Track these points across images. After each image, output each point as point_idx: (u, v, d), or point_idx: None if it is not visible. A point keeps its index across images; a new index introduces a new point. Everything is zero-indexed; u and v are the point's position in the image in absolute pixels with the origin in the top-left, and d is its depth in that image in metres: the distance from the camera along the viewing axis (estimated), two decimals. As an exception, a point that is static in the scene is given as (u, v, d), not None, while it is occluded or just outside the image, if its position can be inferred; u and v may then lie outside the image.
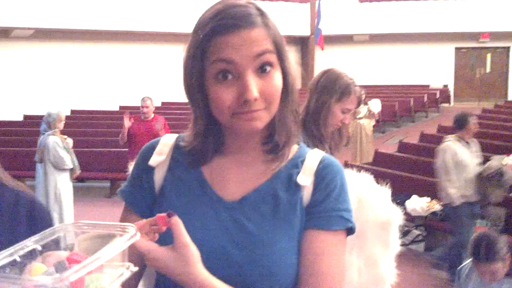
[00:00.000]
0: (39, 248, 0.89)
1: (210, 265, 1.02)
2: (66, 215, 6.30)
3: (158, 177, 1.17)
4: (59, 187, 6.30)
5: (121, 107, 14.27)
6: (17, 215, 1.13)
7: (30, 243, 0.89)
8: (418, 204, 6.47)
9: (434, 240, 6.49)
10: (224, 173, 1.14)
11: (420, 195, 6.63)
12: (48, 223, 1.27)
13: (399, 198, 6.74)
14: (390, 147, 10.93)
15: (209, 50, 1.04)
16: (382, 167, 7.71)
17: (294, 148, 1.17)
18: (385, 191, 1.77)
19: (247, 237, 1.06)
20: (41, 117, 6.62)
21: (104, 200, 8.68)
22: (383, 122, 14.44)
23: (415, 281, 5.43)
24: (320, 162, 1.13)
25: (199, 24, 1.07)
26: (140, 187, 1.18)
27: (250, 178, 1.13)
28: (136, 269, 0.90)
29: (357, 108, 2.48)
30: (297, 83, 1.16)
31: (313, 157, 1.15)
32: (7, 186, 1.17)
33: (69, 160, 6.31)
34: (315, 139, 2.39)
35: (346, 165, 7.52)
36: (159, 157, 1.18)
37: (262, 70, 1.04)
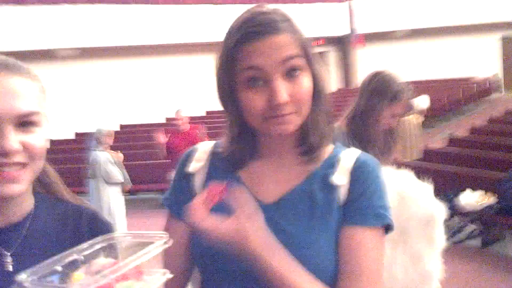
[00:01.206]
0: (82, 258, 0.93)
1: (251, 268, 1.05)
2: (120, 227, 6.43)
3: (198, 183, 1.21)
4: (111, 200, 6.44)
5: (167, 119, 14.49)
6: (80, 229, 1.16)
7: (74, 253, 0.93)
8: (472, 198, 6.31)
9: (491, 234, 6.30)
10: (261, 176, 1.17)
11: (474, 189, 6.46)
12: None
13: (452, 193, 6.60)
14: (440, 142, 10.69)
15: (238, 58, 1.07)
16: (432, 163, 7.56)
17: (329, 148, 1.19)
18: (427, 186, 1.75)
19: (285, 238, 1.08)
20: (91, 133, 6.79)
21: (155, 210, 8.82)
22: (432, 117, 14.15)
23: (469, 278, 5.28)
24: (356, 161, 1.14)
25: (228, 33, 1.11)
26: (182, 194, 1.21)
27: (286, 180, 1.15)
28: (171, 276, 0.94)
29: (407, 112, 2.45)
30: (328, 85, 1.18)
31: (348, 156, 1.16)
32: (70, 202, 1.21)
33: (120, 174, 6.46)
34: (362, 141, 2.38)
35: (396, 163, 7.40)
36: (198, 164, 1.22)
37: (290, 74, 1.06)
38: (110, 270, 0.86)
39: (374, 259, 1.08)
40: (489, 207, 6.17)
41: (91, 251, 0.96)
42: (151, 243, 0.95)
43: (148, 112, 15.24)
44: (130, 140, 11.85)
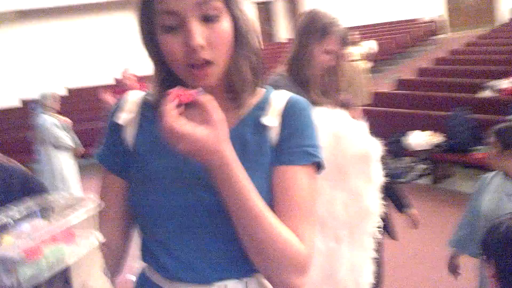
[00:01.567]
0: (11, 221, 0.91)
1: (185, 212, 1.07)
2: (74, 192, 6.35)
3: (130, 135, 1.18)
4: (63, 167, 6.34)
5: (116, 80, 14.18)
6: (11, 190, 1.15)
7: (4, 216, 0.92)
8: (421, 138, 6.48)
9: (441, 172, 6.52)
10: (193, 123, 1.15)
11: (423, 130, 6.64)
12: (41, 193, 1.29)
13: (402, 134, 6.76)
14: (388, 86, 10.85)
15: (153, 1, 1.04)
16: (381, 107, 7.69)
17: (261, 92, 1.18)
18: (362, 125, 1.77)
19: None
20: (37, 100, 6.60)
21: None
22: (380, 62, 14.30)
23: (421, 215, 5.48)
24: (286, 103, 1.15)
25: None
26: (114, 148, 1.19)
27: None
28: (103, 240, 0.94)
29: (342, 48, 2.41)
30: (256, 28, 1.13)
31: (279, 98, 1.17)
32: (3, 163, 1.19)
33: (69, 139, 6.33)
34: (302, 84, 2.35)
35: (343, 104, 7.48)
36: (128, 115, 1.19)
37: (207, 18, 1.03)
38: (38, 233, 0.85)
39: (306, 196, 1.09)
40: (438, 145, 6.36)
41: (22, 214, 0.94)
42: (83, 206, 0.94)
43: (96, 73, 14.87)
44: (79, 103, 11.58)
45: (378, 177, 1.76)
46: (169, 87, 1.09)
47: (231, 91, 1.13)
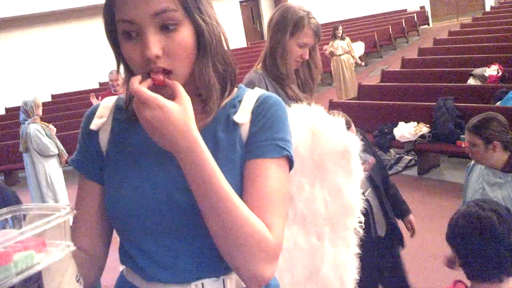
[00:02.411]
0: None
1: (159, 212, 1.08)
2: (61, 199, 6.31)
3: (103, 140, 1.19)
4: (49, 173, 6.28)
5: (100, 84, 14.12)
6: None
7: None
8: (406, 129, 6.50)
9: (427, 163, 6.54)
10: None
11: (407, 121, 6.66)
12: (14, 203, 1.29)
13: (387, 126, 6.78)
14: (374, 79, 10.88)
15: (115, 9, 1.05)
16: (368, 100, 7.70)
17: (233, 91, 1.19)
18: (339, 120, 1.76)
19: None
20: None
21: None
22: (366, 55, 14.34)
23: (412, 206, 5.49)
24: (257, 99, 1.16)
25: None
26: (88, 153, 1.20)
27: None
28: (74, 248, 0.94)
29: (316, 42, 2.40)
30: (223, 32, 1.13)
31: (251, 96, 1.17)
32: None
33: (53, 146, 6.28)
34: (277, 79, 2.34)
35: (331, 103, 7.52)
36: (100, 120, 1.20)
37: (165, 27, 1.03)
38: (7, 239, 0.84)
39: (275, 187, 1.09)
40: (423, 136, 6.38)
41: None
42: (55, 214, 0.94)
43: (79, 79, 14.79)
44: (64, 109, 11.50)
45: (358, 172, 1.75)
46: None
47: (199, 94, 1.13)
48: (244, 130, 1.13)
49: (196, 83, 1.11)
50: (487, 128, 2.81)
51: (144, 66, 1.03)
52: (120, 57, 1.12)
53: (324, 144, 1.69)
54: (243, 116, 1.14)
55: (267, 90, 1.99)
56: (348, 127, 2.61)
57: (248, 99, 1.17)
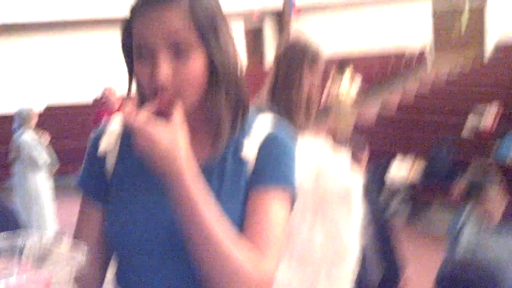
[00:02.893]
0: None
1: (161, 243, 1.07)
2: (47, 211, 6.24)
3: (109, 163, 1.18)
4: (37, 184, 6.22)
5: (95, 99, 14.07)
6: None
7: None
8: (401, 167, 6.52)
9: (418, 205, 6.53)
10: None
11: (405, 154, 6.66)
12: (13, 221, 1.37)
13: (381, 166, 6.77)
14: (372, 111, 10.97)
15: (132, 25, 1.04)
16: (364, 131, 7.75)
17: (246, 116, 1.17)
18: (344, 159, 1.75)
19: None
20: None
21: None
22: (364, 92, 14.41)
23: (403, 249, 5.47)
24: (267, 137, 1.14)
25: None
26: (94, 176, 1.19)
27: (198, 152, 1.12)
28: None
29: (325, 75, 2.43)
30: (237, 66, 1.10)
31: (261, 128, 1.15)
32: None
33: (45, 156, 6.23)
34: (286, 110, 2.34)
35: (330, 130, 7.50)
36: (108, 142, 1.19)
37: (178, 51, 1.01)
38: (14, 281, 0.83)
39: (275, 222, 1.07)
40: (418, 173, 6.39)
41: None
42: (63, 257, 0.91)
43: (75, 91, 14.76)
44: (57, 121, 11.44)
45: (359, 213, 1.73)
46: None
47: (209, 122, 1.12)
48: (250, 164, 1.12)
49: (205, 112, 1.10)
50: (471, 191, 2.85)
51: (152, 86, 1.02)
52: (132, 73, 1.11)
53: (328, 183, 1.68)
54: (250, 152, 1.13)
55: None
56: (362, 151, 2.58)
57: (257, 132, 1.14)
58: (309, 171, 1.71)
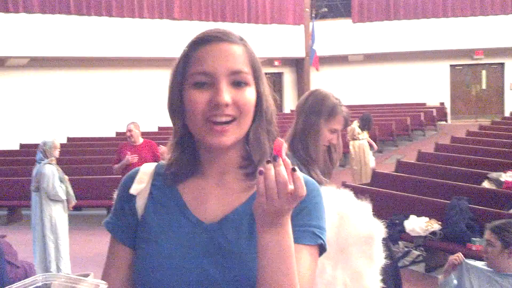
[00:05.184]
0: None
1: (189, 283, 1.08)
2: (62, 244, 6.23)
3: (140, 205, 1.20)
4: (54, 216, 6.23)
5: (117, 133, 14.27)
6: None
7: None
8: (417, 224, 6.43)
9: (434, 260, 6.42)
10: (203, 194, 1.17)
11: (419, 215, 6.59)
12: None
13: (398, 218, 6.71)
14: (388, 167, 10.90)
15: (191, 61, 1.12)
16: (380, 188, 7.66)
17: None
18: (366, 206, 1.79)
19: (226, 257, 1.09)
20: (37, 145, 6.59)
21: (100, 227, 8.59)
22: (381, 142, 14.45)
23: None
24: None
25: (187, 43, 1.17)
26: (124, 217, 1.21)
27: (229, 199, 1.16)
28: None
29: (344, 128, 2.48)
30: (273, 107, 1.20)
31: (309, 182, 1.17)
32: None
33: (63, 191, 6.24)
34: (305, 160, 2.37)
35: (345, 185, 7.50)
36: (140, 185, 1.21)
37: (236, 84, 1.11)
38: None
39: (304, 275, 1.09)
40: (433, 233, 6.30)
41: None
42: None
43: (98, 126, 14.97)
44: (77, 153, 11.58)
45: (380, 258, 1.77)
46: (184, 150, 1.16)
47: (248, 163, 1.16)
48: None
49: (246, 147, 1.15)
50: (509, 232, 2.83)
51: (207, 111, 1.09)
52: (176, 110, 1.15)
53: (350, 229, 1.73)
54: None
55: None
56: None
57: None
58: (333, 216, 1.74)
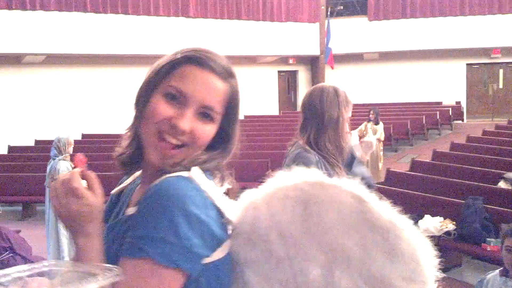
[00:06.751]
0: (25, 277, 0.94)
1: None
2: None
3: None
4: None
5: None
6: None
7: (16, 272, 0.93)
8: (431, 223, 6.37)
9: (448, 261, 6.37)
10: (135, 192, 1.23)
11: (433, 215, 6.53)
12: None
13: (412, 218, 6.64)
14: (403, 166, 10.82)
15: (176, 72, 1.13)
16: (395, 187, 7.61)
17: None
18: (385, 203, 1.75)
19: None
20: (52, 142, 6.63)
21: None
22: (396, 141, 14.35)
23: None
24: (148, 189, 1.08)
25: (185, 48, 1.17)
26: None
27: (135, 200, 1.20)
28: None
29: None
30: (236, 150, 1.22)
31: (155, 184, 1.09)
32: None
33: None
34: (331, 157, 2.39)
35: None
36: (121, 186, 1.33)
37: (202, 115, 1.13)
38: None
39: None
40: (447, 233, 6.24)
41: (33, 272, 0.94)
42: (94, 274, 0.93)
43: (113, 123, 15.02)
44: (92, 150, 11.62)
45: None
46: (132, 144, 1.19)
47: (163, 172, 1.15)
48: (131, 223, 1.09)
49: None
50: None
51: (163, 125, 1.10)
52: (140, 108, 1.16)
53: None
54: (131, 209, 1.13)
55: (324, 171, 1.98)
56: None
57: (150, 188, 1.08)
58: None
